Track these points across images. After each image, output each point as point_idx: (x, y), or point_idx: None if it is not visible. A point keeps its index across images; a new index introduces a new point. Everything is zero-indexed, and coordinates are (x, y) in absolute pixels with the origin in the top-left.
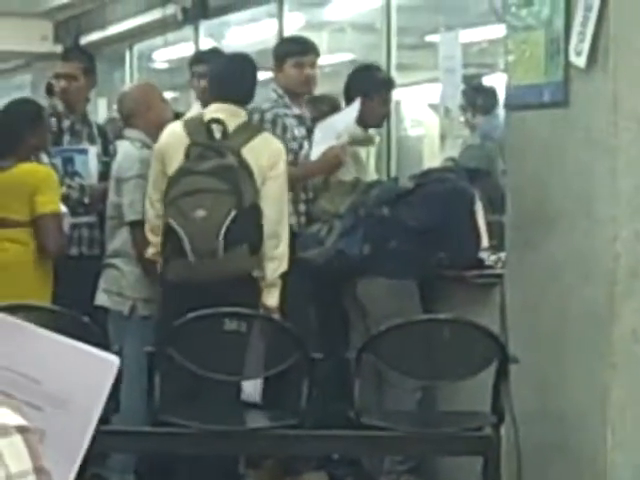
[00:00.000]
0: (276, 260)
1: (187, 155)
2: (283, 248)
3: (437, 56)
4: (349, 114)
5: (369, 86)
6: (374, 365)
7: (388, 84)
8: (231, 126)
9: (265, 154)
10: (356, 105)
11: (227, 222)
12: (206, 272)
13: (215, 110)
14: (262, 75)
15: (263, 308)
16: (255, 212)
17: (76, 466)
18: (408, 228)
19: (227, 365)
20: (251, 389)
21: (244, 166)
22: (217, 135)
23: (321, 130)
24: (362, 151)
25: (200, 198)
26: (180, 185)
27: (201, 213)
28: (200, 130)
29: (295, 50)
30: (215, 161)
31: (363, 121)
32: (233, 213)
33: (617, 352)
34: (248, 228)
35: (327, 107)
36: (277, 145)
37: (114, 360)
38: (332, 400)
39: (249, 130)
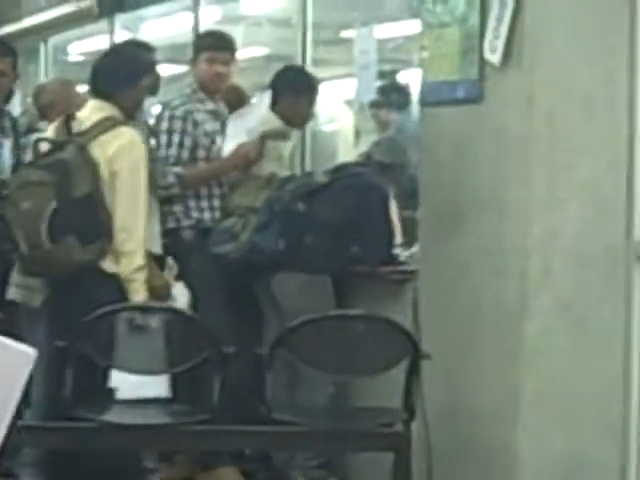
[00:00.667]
0: (127, 255)
1: (34, 150)
2: (135, 243)
3: (352, 52)
4: (259, 108)
5: (297, 86)
6: (287, 360)
7: (314, 85)
8: (93, 120)
9: (112, 148)
10: (266, 99)
11: (47, 213)
12: (37, 263)
13: (87, 105)
14: (177, 69)
15: None
16: (89, 204)
17: None
18: (322, 223)
19: (138, 360)
20: (160, 384)
21: (85, 159)
22: (76, 129)
23: (234, 125)
24: (282, 145)
25: (28, 190)
26: (16, 178)
27: (26, 205)
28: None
29: (209, 45)
30: (54, 155)
31: (288, 120)
32: (54, 204)
33: (528, 348)
34: (77, 220)
35: (234, 97)
36: (128, 139)
37: (30, 352)
38: (245, 395)
39: (106, 124)
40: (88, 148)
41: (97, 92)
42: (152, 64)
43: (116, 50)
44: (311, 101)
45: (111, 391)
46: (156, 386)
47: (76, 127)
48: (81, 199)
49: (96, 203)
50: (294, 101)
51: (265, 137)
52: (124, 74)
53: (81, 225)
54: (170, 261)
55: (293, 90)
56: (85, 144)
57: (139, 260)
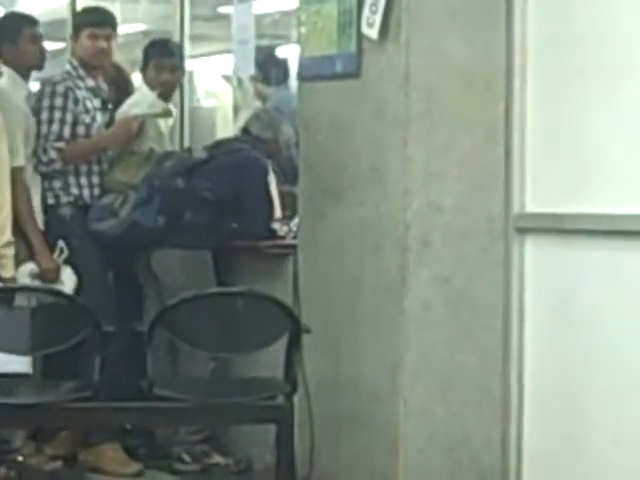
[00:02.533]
0: None
1: None
2: (1, 220)
3: (230, 27)
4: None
5: (160, 56)
6: (167, 337)
7: (177, 55)
8: None
9: None
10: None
11: None
12: None
13: None
14: (55, 45)
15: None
16: None
17: None
18: (202, 199)
19: (13, 340)
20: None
21: None
22: None
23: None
24: (162, 122)
25: None
26: None
27: None
28: None
29: (90, 21)
30: None
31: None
32: None
33: (408, 321)
34: None
35: (115, 73)
36: None
37: None
38: (126, 372)
39: None
40: None
41: None
42: None
43: None
44: (179, 69)
45: None
46: (18, 362)
47: None
48: None
49: None
50: (158, 72)
51: (150, 115)
52: None
53: None
54: (61, 244)
55: (157, 61)
56: None
57: (7, 236)
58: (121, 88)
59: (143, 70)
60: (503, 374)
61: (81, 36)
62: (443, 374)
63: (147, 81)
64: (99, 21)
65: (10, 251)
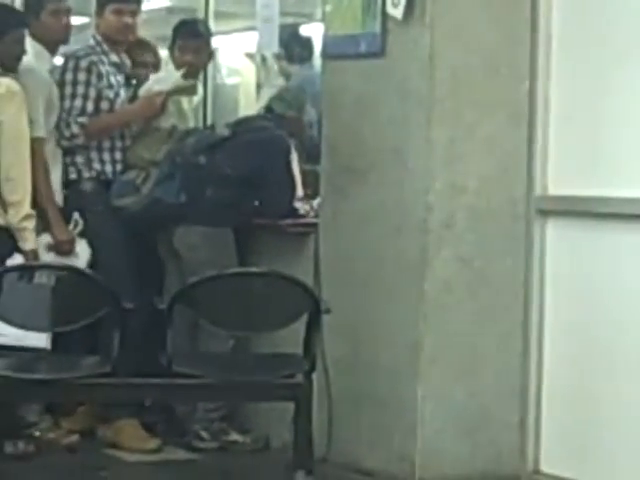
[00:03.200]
0: (14, 205)
1: None
2: (21, 193)
3: (255, 5)
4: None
5: (191, 36)
6: (188, 314)
7: (208, 36)
8: None
9: None
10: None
11: None
12: None
13: None
14: (81, 20)
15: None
16: None
17: None
18: (224, 176)
19: (36, 317)
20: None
21: None
22: None
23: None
24: (185, 100)
25: None
26: None
27: None
28: None
29: None
30: None
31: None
32: None
33: (428, 303)
34: None
35: (140, 49)
36: (6, 90)
37: None
38: (146, 348)
39: None
40: None
41: None
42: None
43: None
44: (204, 51)
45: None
46: (35, 337)
47: None
48: None
49: None
50: (183, 52)
51: (175, 92)
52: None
53: None
54: (76, 216)
55: (182, 42)
56: None
57: (26, 209)
58: (148, 64)
59: (171, 48)
60: (523, 356)
61: (106, 11)
62: (462, 356)
63: (173, 60)
64: None
65: (30, 223)
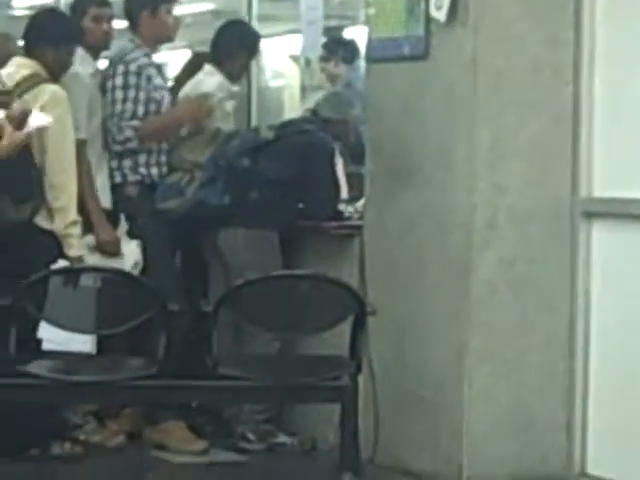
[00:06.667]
0: (59, 211)
1: None
2: (66, 199)
3: (299, 7)
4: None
5: (238, 42)
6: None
7: (257, 40)
8: (17, 78)
9: (36, 105)
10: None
11: None
12: None
13: (12, 62)
14: (119, 24)
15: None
16: (18, 163)
17: None
18: (268, 179)
19: (82, 320)
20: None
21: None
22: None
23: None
24: (228, 102)
25: None
26: None
27: None
28: None
29: None
30: None
31: (228, 76)
32: None
33: (473, 304)
34: (7, 180)
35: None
36: (51, 96)
37: None
38: (192, 350)
39: (30, 82)
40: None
41: (25, 48)
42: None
43: (50, 9)
44: (251, 55)
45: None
46: (81, 341)
47: (2, 85)
48: (10, 159)
49: (26, 162)
50: (240, 58)
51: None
52: (50, 35)
53: (12, 185)
54: (122, 218)
55: (232, 47)
56: (9, 102)
57: (72, 215)
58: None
59: (215, 51)
60: (569, 358)
61: (156, 12)
62: (508, 357)
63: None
64: None
65: (76, 230)
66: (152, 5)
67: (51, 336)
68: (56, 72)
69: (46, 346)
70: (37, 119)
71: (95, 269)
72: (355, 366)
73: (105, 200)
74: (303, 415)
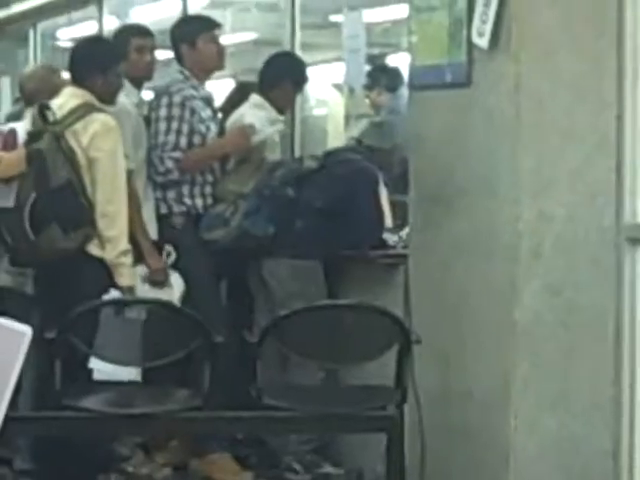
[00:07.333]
0: (112, 240)
1: None
2: (117, 229)
3: (341, 36)
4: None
5: (286, 72)
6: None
7: (304, 71)
8: (68, 107)
9: (86, 136)
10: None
11: (28, 205)
12: (22, 254)
13: (63, 92)
14: (165, 54)
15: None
16: (68, 192)
17: None
18: (312, 208)
19: (128, 352)
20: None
21: (60, 148)
22: (51, 118)
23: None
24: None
25: (10, 185)
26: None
27: (12, 202)
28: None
29: (206, 26)
30: (31, 146)
31: (276, 107)
32: (33, 196)
33: (519, 332)
34: (57, 208)
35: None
36: (102, 126)
37: (26, 331)
38: (237, 381)
39: (80, 111)
40: (64, 136)
41: (73, 78)
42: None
43: (91, 37)
44: (299, 86)
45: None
46: (127, 370)
47: (53, 115)
48: (60, 188)
49: (76, 191)
50: (287, 89)
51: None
52: (95, 61)
53: (62, 213)
54: (168, 247)
55: (288, 79)
56: (60, 133)
57: (123, 245)
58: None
59: (262, 81)
60: (615, 385)
61: (199, 42)
62: (554, 385)
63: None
64: (213, 24)
65: (127, 259)
66: (190, 37)
67: (101, 366)
68: (109, 97)
69: (96, 376)
70: None
71: (140, 301)
72: (400, 395)
73: (151, 231)
74: (349, 445)
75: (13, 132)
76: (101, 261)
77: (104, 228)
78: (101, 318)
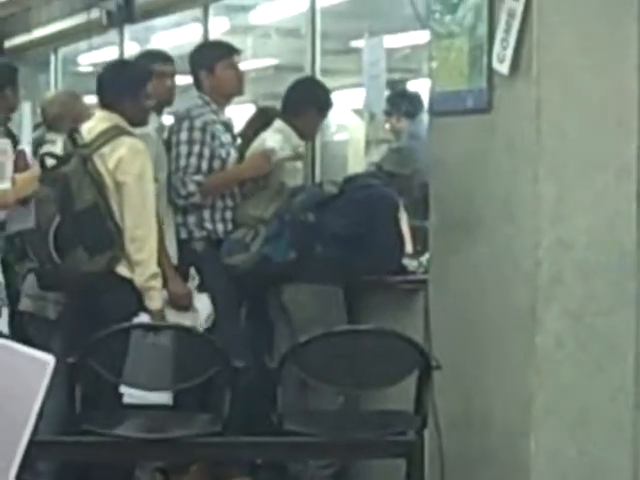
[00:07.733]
0: (141, 264)
1: (41, 164)
2: (146, 252)
3: (361, 61)
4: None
5: (310, 99)
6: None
7: (328, 98)
8: (97, 131)
9: (112, 159)
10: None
11: (52, 228)
12: (48, 277)
13: (95, 116)
14: (185, 80)
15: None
16: (93, 215)
17: (13, 471)
18: (333, 234)
19: (148, 377)
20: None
21: (87, 171)
22: (80, 142)
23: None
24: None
25: (36, 208)
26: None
27: (33, 222)
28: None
29: (225, 52)
30: (58, 170)
31: (300, 133)
32: (57, 219)
33: (540, 358)
34: (82, 231)
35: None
36: (129, 149)
37: (49, 360)
38: (257, 406)
39: (108, 135)
40: (92, 159)
41: (102, 103)
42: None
43: (117, 61)
44: (322, 113)
45: (120, 396)
46: (160, 394)
47: (82, 139)
48: (85, 211)
49: (102, 214)
50: (312, 115)
51: (289, 159)
52: (123, 84)
53: (87, 236)
54: (192, 271)
55: (313, 105)
56: (88, 156)
57: (152, 268)
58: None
59: (285, 107)
60: (635, 410)
61: (218, 68)
62: (574, 411)
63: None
64: (232, 49)
65: (157, 283)
66: (209, 63)
67: (132, 390)
68: (141, 118)
69: (127, 400)
70: None
71: (161, 326)
72: (420, 421)
73: (172, 255)
74: (369, 470)
75: (22, 153)
76: (131, 282)
77: (133, 252)
78: (130, 342)
